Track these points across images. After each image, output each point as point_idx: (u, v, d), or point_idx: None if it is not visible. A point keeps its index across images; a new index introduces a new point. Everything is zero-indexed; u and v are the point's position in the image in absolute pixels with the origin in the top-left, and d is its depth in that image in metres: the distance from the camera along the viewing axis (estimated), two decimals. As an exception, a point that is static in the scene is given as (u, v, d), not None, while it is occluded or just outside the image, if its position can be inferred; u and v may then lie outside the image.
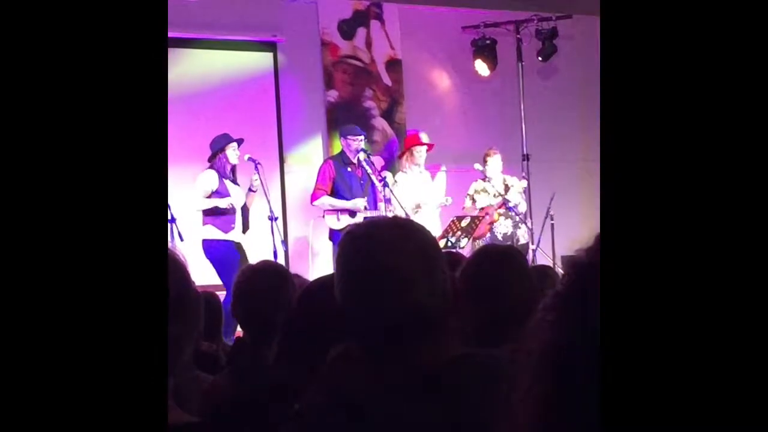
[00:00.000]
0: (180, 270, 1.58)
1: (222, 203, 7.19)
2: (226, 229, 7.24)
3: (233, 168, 7.38)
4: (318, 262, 8.71)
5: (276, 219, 7.43)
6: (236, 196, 7.31)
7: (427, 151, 8.39)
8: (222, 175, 7.27)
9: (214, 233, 7.22)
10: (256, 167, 7.36)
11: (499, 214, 8.57)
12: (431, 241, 1.73)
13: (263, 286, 2.94)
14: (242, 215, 7.40)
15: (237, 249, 7.28)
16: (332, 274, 2.43)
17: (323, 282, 2.33)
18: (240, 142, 7.39)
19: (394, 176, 8.60)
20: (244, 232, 7.44)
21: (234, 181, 7.39)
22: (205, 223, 7.27)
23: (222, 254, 7.16)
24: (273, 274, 3.04)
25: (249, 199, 7.47)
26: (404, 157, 8.46)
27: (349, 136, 7.93)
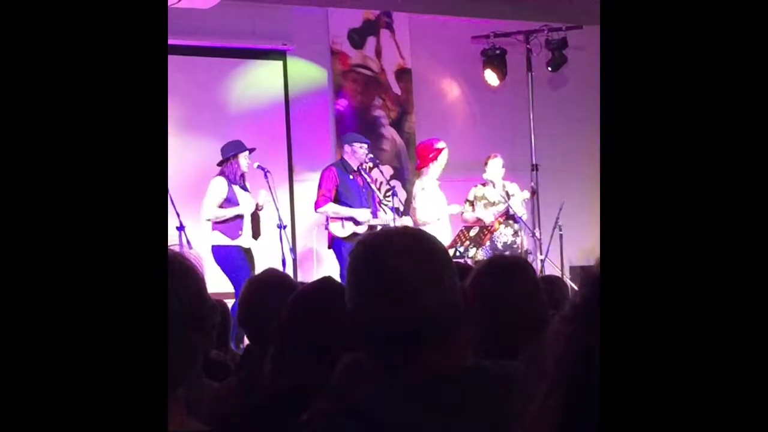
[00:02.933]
0: (198, 280, 1.58)
1: (236, 211, 7.24)
2: (234, 236, 7.28)
3: (242, 174, 7.41)
4: (323, 271, 8.71)
5: (285, 227, 7.44)
6: (245, 203, 7.33)
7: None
8: (231, 182, 7.30)
9: (222, 239, 7.27)
10: (265, 175, 7.38)
11: (500, 223, 8.54)
12: (442, 250, 1.73)
13: (267, 296, 2.94)
14: (252, 221, 7.42)
15: (246, 254, 7.31)
16: (320, 280, 2.44)
17: (311, 288, 2.34)
18: (252, 151, 7.43)
19: (403, 185, 8.59)
20: (255, 238, 7.45)
21: (243, 187, 7.41)
22: (213, 229, 7.32)
23: (232, 259, 7.20)
24: (277, 284, 3.04)
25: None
26: (430, 166, 8.39)
27: (355, 144, 7.88)
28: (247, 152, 7.39)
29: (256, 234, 7.48)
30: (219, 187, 7.29)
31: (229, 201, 7.28)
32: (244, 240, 7.34)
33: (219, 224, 7.28)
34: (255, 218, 7.48)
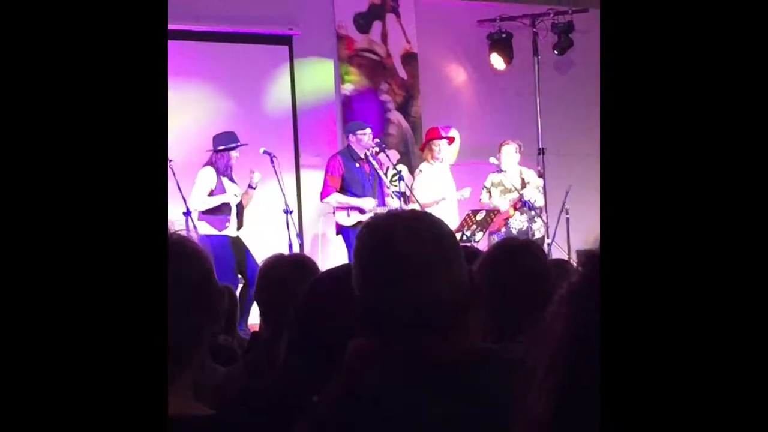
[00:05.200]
0: (206, 263, 1.58)
1: (223, 199, 7.28)
2: (221, 228, 7.35)
3: (231, 166, 7.44)
4: (329, 256, 8.71)
5: (291, 212, 7.45)
6: (232, 194, 7.36)
7: (449, 143, 8.39)
8: (221, 173, 7.33)
9: (208, 230, 7.32)
10: (271, 160, 7.39)
11: (515, 209, 8.54)
12: (449, 233, 1.72)
13: (287, 278, 2.91)
14: (237, 213, 7.45)
15: (231, 244, 7.35)
16: (341, 266, 2.43)
17: (331, 274, 2.33)
18: (244, 145, 7.46)
19: (410, 170, 8.57)
20: (238, 229, 7.50)
21: (231, 179, 7.44)
22: (200, 219, 7.34)
23: (216, 248, 7.19)
24: (300, 267, 3.00)
25: (246, 197, 7.52)
26: (425, 150, 8.46)
27: (358, 132, 7.85)
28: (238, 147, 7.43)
29: (239, 225, 7.52)
30: (207, 177, 7.35)
31: (217, 191, 7.33)
32: (231, 231, 7.40)
33: (206, 215, 7.33)
34: (239, 209, 7.52)
